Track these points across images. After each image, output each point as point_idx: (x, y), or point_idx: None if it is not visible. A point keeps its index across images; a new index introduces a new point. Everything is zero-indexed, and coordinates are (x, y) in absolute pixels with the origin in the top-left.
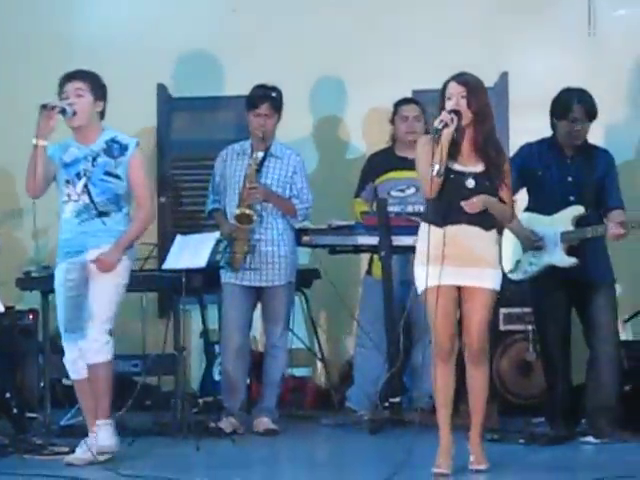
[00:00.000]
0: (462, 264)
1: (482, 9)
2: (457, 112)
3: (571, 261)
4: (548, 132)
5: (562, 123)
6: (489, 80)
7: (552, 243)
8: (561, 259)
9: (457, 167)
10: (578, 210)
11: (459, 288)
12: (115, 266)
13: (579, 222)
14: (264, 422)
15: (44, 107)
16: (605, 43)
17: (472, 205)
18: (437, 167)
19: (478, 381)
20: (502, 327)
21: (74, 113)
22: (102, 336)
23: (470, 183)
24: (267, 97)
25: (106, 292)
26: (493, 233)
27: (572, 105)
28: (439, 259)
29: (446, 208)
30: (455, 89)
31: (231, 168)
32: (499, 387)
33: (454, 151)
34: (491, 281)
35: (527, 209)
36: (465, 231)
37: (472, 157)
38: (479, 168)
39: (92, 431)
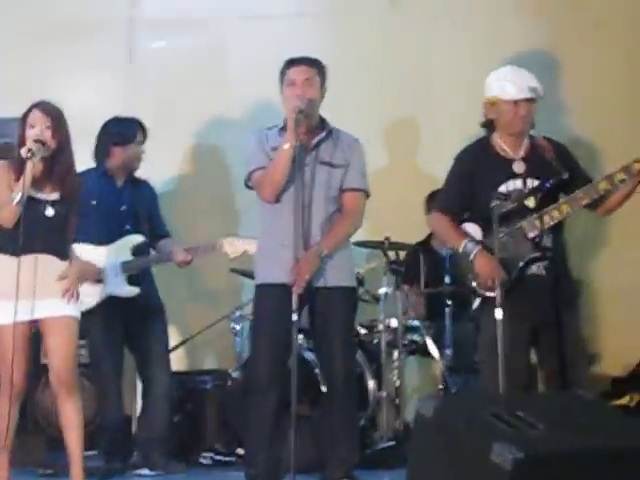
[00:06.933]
0: (39, 296)
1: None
2: (43, 142)
3: (134, 290)
4: None
5: (131, 147)
6: None
7: (112, 273)
8: (123, 289)
9: (35, 195)
10: (136, 239)
11: (36, 322)
12: None
13: (137, 251)
14: None
15: None
16: (144, 72)
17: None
18: (19, 195)
19: (72, 414)
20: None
21: None
22: None
23: (49, 212)
24: None
25: None
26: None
27: (142, 125)
28: (11, 293)
29: (23, 237)
30: (40, 119)
31: None
32: (42, 422)
33: (33, 179)
34: (71, 309)
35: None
36: (40, 260)
37: (49, 186)
38: (55, 196)
39: None
